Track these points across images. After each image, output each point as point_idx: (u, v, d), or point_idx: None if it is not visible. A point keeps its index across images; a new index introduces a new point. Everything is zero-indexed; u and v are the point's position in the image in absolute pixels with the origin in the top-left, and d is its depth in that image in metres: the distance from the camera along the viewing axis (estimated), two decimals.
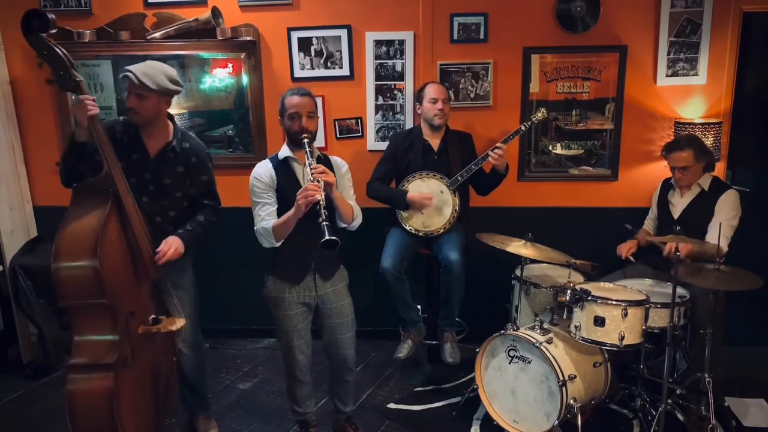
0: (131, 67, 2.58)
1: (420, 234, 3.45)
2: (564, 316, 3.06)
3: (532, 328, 2.98)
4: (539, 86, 3.76)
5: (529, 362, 2.89)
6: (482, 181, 3.53)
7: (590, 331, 2.87)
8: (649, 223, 3.55)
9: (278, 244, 2.63)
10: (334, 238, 2.35)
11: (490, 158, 3.33)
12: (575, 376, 2.83)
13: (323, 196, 2.46)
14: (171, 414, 2.84)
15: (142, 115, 2.61)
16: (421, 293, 3.72)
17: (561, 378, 2.76)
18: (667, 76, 3.68)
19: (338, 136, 3.90)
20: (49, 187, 4.02)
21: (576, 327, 2.91)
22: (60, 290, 2.33)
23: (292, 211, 2.52)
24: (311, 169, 2.51)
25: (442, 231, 3.42)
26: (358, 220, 2.77)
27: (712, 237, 3.09)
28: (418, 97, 3.56)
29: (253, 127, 3.92)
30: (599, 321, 2.83)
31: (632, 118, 3.75)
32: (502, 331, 2.97)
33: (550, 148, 3.86)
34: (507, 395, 2.98)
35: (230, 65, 3.88)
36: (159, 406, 2.68)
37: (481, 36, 3.71)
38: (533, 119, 3.44)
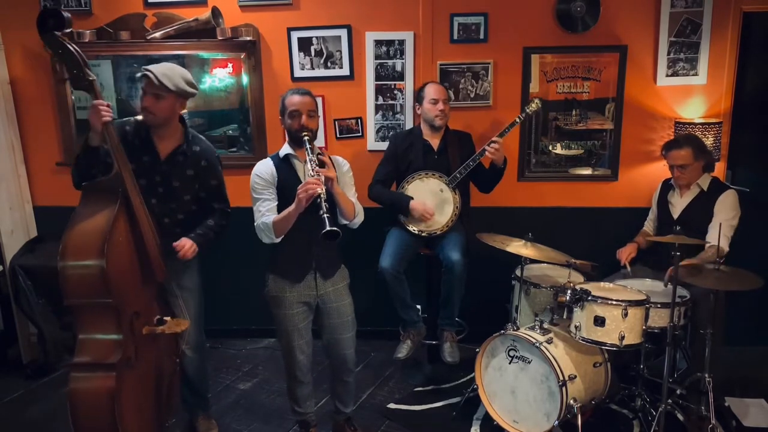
0: (150, 67, 2.58)
1: (423, 234, 3.45)
2: (564, 316, 3.06)
3: (532, 328, 2.98)
4: (539, 86, 3.76)
5: (529, 362, 2.89)
6: (482, 177, 3.53)
7: (590, 331, 2.87)
8: (648, 224, 3.55)
9: (278, 240, 2.63)
10: (335, 228, 2.36)
11: (487, 153, 3.33)
12: (575, 376, 2.83)
13: (324, 190, 2.47)
14: (172, 414, 2.84)
15: (156, 116, 2.61)
16: (421, 293, 3.71)
17: (561, 378, 2.76)
18: (667, 76, 3.68)
19: (338, 136, 3.90)
20: (49, 187, 4.03)
21: (576, 327, 2.91)
22: (66, 289, 2.34)
23: (293, 206, 2.52)
24: (312, 163, 2.51)
25: (445, 230, 3.42)
26: (359, 218, 2.77)
27: (712, 237, 3.09)
28: (418, 97, 3.55)
29: (253, 126, 3.92)
30: (599, 321, 2.83)
31: (632, 118, 3.75)
32: (502, 331, 2.97)
33: (550, 148, 3.86)
34: (507, 395, 2.98)
35: (230, 65, 3.89)
36: (161, 406, 2.69)
37: (481, 36, 3.71)
38: (527, 110, 3.43)
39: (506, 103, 3.77)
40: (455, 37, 3.73)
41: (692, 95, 3.69)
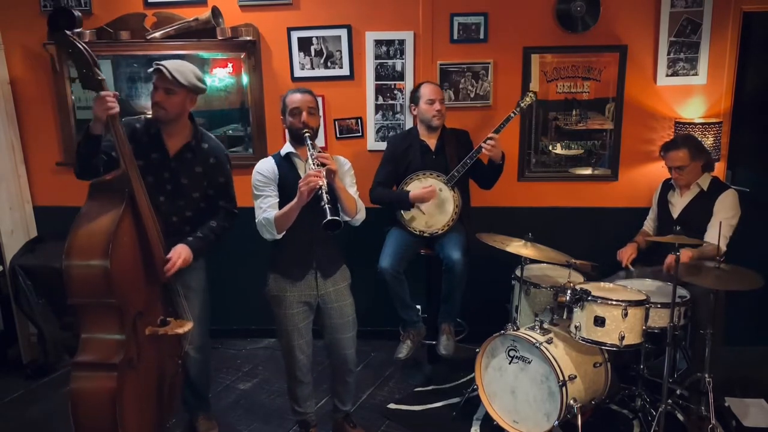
0: (163, 62, 2.59)
1: (425, 234, 3.45)
2: (564, 316, 3.06)
3: (532, 328, 2.98)
4: (539, 86, 3.76)
5: (529, 362, 2.89)
6: (482, 174, 3.52)
7: (590, 331, 2.87)
8: (648, 224, 3.55)
9: (279, 236, 2.63)
10: (336, 218, 2.37)
11: (483, 150, 3.33)
12: (575, 376, 2.83)
13: (325, 183, 2.47)
14: (172, 414, 2.84)
15: (168, 111, 2.62)
16: (421, 293, 3.71)
17: (561, 378, 2.76)
18: (667, 75, 3.68)
19: (338, 136, 3.90)
20: (49, 187, 4.03)
21: (576, 327, 2.91)
22: (70, 288, 2.34)
23: (294, 200, 2.53)
24: (313, 158, 2.52)
25: (446, 229, 3.42)
26: (361, 214, 2.77)
27: (710, 236, 3.10)
28: (413, 98, 3.54)
29: (253, 126, 3.92)
30: (599, 321, 2.83)
31: (632, 118, 3.75)
32: (502, 331, 2.97)
33: (550, 148, 3.86)
34: (507, 395, 2.98)
35: (230, 65, 3.89)
36: (162, 407, 2.68)
37: (481, 36, 3.71)
38: (521, 104, 3.41)
39: (506, 103, 3.77)
40: (455, 37, 3.73)
41: (692, 95, 3.69)
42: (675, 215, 3.32)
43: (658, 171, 3.68)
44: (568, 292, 2.95)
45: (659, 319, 2.90)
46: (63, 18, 2.43)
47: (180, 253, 2.62)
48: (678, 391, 3.06)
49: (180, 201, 2.74)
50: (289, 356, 2.81)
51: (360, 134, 3.90)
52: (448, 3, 3.69)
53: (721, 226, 2.94)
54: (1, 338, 3.86)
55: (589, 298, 2.85)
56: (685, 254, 2.90)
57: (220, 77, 3.91)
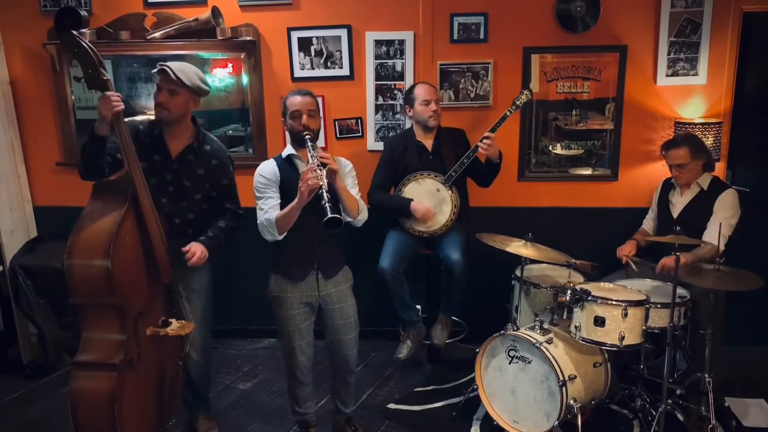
0: (167, 63, 2.60)
1: (425, 235, 3.45)
2: (564, 316, 3.06)
3: (532, 328, 2.98)
4: (539, 86, 3.76)
5: (529, 362, 2.89)
6: (480, 173, 3.52)
7: (590, 331, 2.87)
8: (648, 223, 3.55)
9: (280, 237, 2.63)
10: (337, 215, 2.38)
11: (480, 149, 3.33)
12: (575, 377, 2.83)
13: (325, 182, 2.47)
14: (172, 415, 2.84)
15: (171, 112, 2.62)
16: (420, 293, 3.72)
17: (561, 378, 2.76)
18: (667, 76, 3.68)
19: (338, 136, 3.90)
20: (49, 187, 4.03)
21: (576, 327, 2.91)
22: (71, 287, 2.35)
23: (295, 200, 2.53)
24: (314, 159, 2.52)
25: (444, 229, 3.41)
26: (363, 215, 2.77)
27: (709, 236, 3.10)
28: (407, 99, 3.53)
29: (253, 126, 3.92)
30: (599, 321, 2.83)
31: (632, 118, 3.75)
32: (502, 331, 2.97)
33: (550, 148, 3.86)
34: (507, 395, 2.98)
35: (230, 65, 3.89)
36: (162, 408, 2.68)
37: (481, 36, 3.71)
38: (517, 102, 3.40)
39: (506, 103, 3.74)
40: (455, 37, 3.73)
41: (692, 95, 3.69)
42: (675, 215, 3.32)
43: (658, 171, 3.68)
44: (568, 292, 2.95)
45: (659, 319, 2.91)
46: (69, 17, 2.42)
47: (197, 247, 2.65)
48: (678, 391, 3.06)
49: (182, 203, 2.74)
50: (290, 357, 2.81)
51: (360, 134, 3.90)
52: (448, 3, 3.69)
53: (720, 226, 2.94)
54: (1, 338, 3.86)
55: (589, 298, 2.85)
56: (683, 258, 2.90)
57: (220, 77, 3.91)
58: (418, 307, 3.57)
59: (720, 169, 3.67)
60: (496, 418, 3.02)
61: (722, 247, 3.05)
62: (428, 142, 3.53)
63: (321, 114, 2.88)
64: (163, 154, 2.69)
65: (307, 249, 2.70)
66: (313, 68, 3.82)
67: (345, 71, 3.81)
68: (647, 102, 3.72)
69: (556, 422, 2.78)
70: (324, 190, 2.44)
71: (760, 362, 3.72)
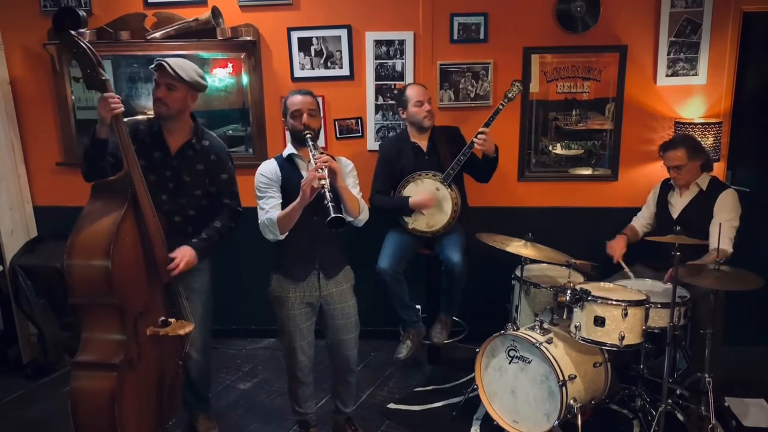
0: (165, 59, 2.61)
1: (428, 235, 3.45)
2: (564, 316, 3.06)
3: (532, 328, 2.98)
4: (539, 86, 3.76)
5: (529, 362, 2.89)
6: (477, 169, 3.52)
7: (590, 331, 2.87)
8: (639, 221, 3.53)
9: (282, 236, 2.63)
10: (339, 215, 2.39)
11: (475, 144, 3.32)
12: (575, 376, 2.83)
13: (328, 182, 2.48)
14: (172, 415, 2.84)
15: (169, 107, 2.63)
16: (420, 293, 3.72)
17: (561, 378, 2.76)
18: (667, 76, 3.68)
19: (338, 136, 3.90)
20: (49, 187, 4.03)
21: (576, 327, 2.91)
22: (71, 287, 2.35)
23: (297, 200, 2.53)
24: (315, 159, 2.53)
25: (447, 227, 3.41)
26: (364, 214, 2.77)
27: (716, 240, 3.09)
28: (400, 102, 3.53)
29: (253, 126, 3.92)
30: (599, 321, 2.83)
31: (632, 118, 3.75)
32: (502, 331, 2.97)
33: (550, 148, 3.86)
34: (507, 395, 2.98)
35: (230, 65, 3.89)
36: (162, 407, 2.68)
37: (481, 36, 3.71)
38: (509, 95, 3.38)
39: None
40: (455, 37, 3.73)
41: (692, 95, 3.69)
42: (675, 215, 3.32)
43: (658, 171, 3.68)
44: (568, 292, 2.95)
45: (659, 319, 2.90)
46: (68, 18, 2.43)
47: (184, 254, 2.62)
48: (678, 391, 3.06)
49: (182, 199, 2.74)
50: (291, 357, 2.81)
51: (360, 134, 3.90)
52: (448, 3, 3.69)
53: (722, 228, 2.93)
54: (1, 338, 3.86)
55: (589, 298, 2.85)
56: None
57: (220, 77, 3.91)
58: (418, 307, 3.57)
59: (720, 169, 3.68)
60: (496, 418, 3.02)
61: (730, 249, 3.05)
62: (423, 143, 3.53)
63: (321, 114, 2.88)
64: (163, 151, 2.70)
65: (308, 249, 2.70)
66: (313, 68, 3.82)
67: (345, 71, 3.81)
68: (647, 102, 3.72)
69: (556, 422, 2.78)
70: (326, 190, 2.45)
71: (760, 362, 3.72)
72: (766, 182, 3.70)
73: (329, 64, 3.81)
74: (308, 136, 2.62)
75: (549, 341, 2.89)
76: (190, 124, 2.76)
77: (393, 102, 3.83)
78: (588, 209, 3.87)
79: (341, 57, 3.79)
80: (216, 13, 3.67)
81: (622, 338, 2.81)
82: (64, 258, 2.33)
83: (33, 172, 4.04)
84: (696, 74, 3.66)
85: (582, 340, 2.90)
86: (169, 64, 2.58)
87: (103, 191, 2.46)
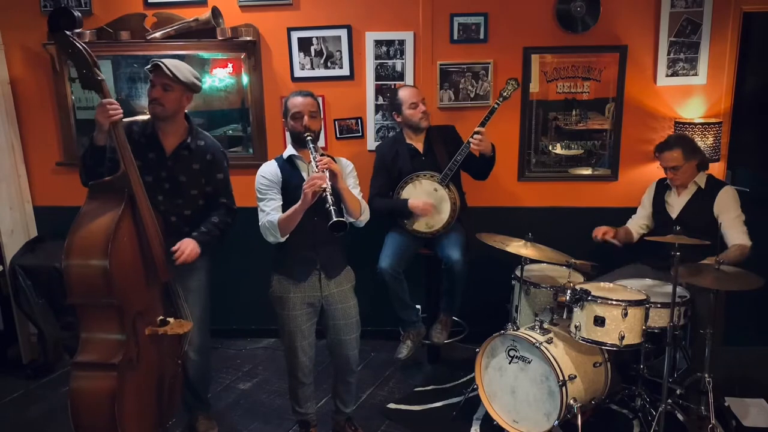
0: (160, 59, 2.62)
1: (427, 235, 3.45)
2: (564, 316, 3.06)
3: (532, 328, 2.98)
4: (539, 86, 3.76)
5: (529, 362, 2.89)
6: (475, 167, 3.52)
7: (590, 331, 2.87)
8: (635, 222, 3.51)
9: (283, 239, 2.64)
10: (342, 219, 2.39)
11: (472, 144, 3.32)
12: (575, 376, 2.83)
13: (329, 185, 2.48)
14: (172, 415, 2.84)
15: (165, 107, 2.64)
16: (420, 293, 3.72)
17: (561, 378, 2.76)
18: (667, 76, 3.68)
19: (338, 136, 3.90)
20: (49, 187, 4.03)
21: (576, 327, 2.91)
22: (69, 287, 2.35)
23: (298, 203, 2.53)
24: (316, 162, 2.53)
25: (447, 227, 3.42)
26: (365, 215, 2.78)
27: (734, 238, 3.11)
28: (394, 106, 3.52)
29: (253, 126, 3.92)
30: (599, 321, 2.83)
31: (632, 118, 3.75)
32: (502, 331, 2.97)
33: (550, 148, 3.86)
34: (507, 395, 2.98)
35: (230, 65, 3.88)
36: (161, 407, 2.68)
37: (481, 36, 3.71)
38: (504, 94, 3.38)
39: (506, 103, 3.74)
40: (455, 37, 3.73)
41: (692, 95, 3.69)
42: (674, 215, 3.32)
43: (657, 171, 3.66)
44: (568, 292, 2.95)
45: (659, 319, 2.90)
46: (63, 18, 2.42)
47: (187, 245, 2.64)
48: (678, 391, 3.06)
49: (178, 199, 2.75)
50: (292, 357, 2.81)
51: (360, 134, 3.90)
52: (448, 3, 3.69)
53: (734, 225, 3.00)
54: (1, 338, 3.86)
55: (589, 298, 2.85)
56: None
57: (220, 77, 3.91)
58: (418, 307, 3.57)
59: (720, 169, 3.68)
60: (496, 418, 3.02)
61: (749, 242, 3.08)
62: (419, 144, 3.53)
63: (321, 114, 2.89)
64: (158, 152, 2.70)
65: (309, 249, 2.70)
66: (313, 68, 3.82)
67: (345, 71, 3.81)
68: (647, 102, 3.72)
69: (556, 422, 2.78)
70: (328, 193, 2.45)
71: (760, 362, 3.72)
72: (766, 182, 3.70)
73: (329, 64, 3.81)
74: (309, 138, 2.63)
75: (549, 341, 2.89)
76: (185, 125, 2.77)
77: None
78: (588, 209, 3.87)
79: (341, 57, 3.79)
80: (216, 13, 3.67)
81: (622, 338, 2.81)
82: (62, 258, 2.33)
83: (33, 172, 4.04)
84: (696, 74, 3.66)
85: (582, 340, 2.90)
86: (165, 65, 2.59)
87: (100, 191, 2.47)
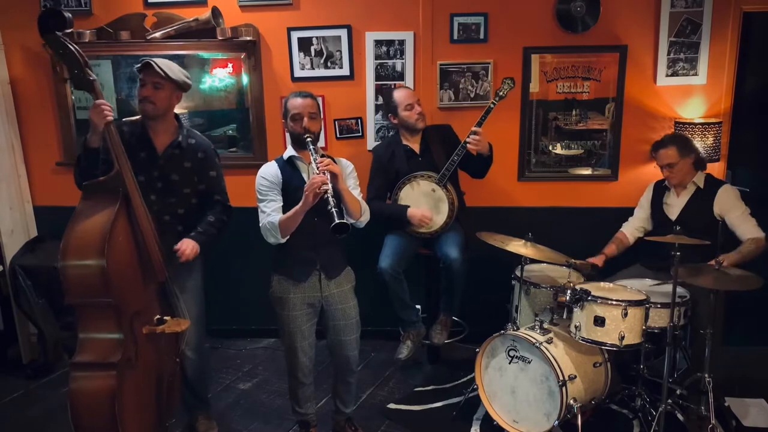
0: (150, 58, 2.64)
1: (426, 235, 3.46)
2: (564, 316, 3.06)
3: (532, 328, 2.98)
4: (539, 86, 3.76)
5: (529, 362, 2.89)
6: (472, 166, 3.52)
7: (590, 331, 2.87)
8: (632, 225, 3.51)
9: (283, 240, 2.64)
10: (344, 221, 2.40)
11: (469, 144, 3.32)
12: (575, 376, 2.83)
13: (330, 187, 2.48)
14: (172, 414, 2.84)
15: (156, 105, 2.65)
16: (420, 293, 3.72)
17: (561, 378, 2.76)
18: (667, 76, 3.68)
19: (338, 136, 3.90)
20: (49, 187, 4.03)
21: (576, 327, 2.91)
22: (66, 288, 2.35)
23: (299, 204, 2.54)
24: (317, 163, 2.53)
25: (445, 227, 3.42)
26: (366, 216, 2.78)
27: (746, 232, 3.13)
28: (389, 108, 3.52)
29: (253, 126, 3.92)
30: (599, 321, 2.83)
31: (632, 118, 3.75)
32: (502, 331, 2.97)
33: (550, 148, 3.86)
34: (507, 395, 2.98)
35: (230, 65, 3.89)
36: (161, 406, 2.68)
37: (481, 36, 3.71)
38: (501, 93, 3.38)
39: (506, 103, 3.75)
40: (455, 37, 3.73)
41: (692, 95, 3.69)
42: (674, 216, 3.32)
43: (658, 171, 3.67)
44: (568, 292, 2.95)
45: (659, 319, 2.90)
46: (53, 19, 2.43)
47: (188, 244, 2.66)
48: (678, 391, 3.06)
49: (171, 198, 2.75)
50: (292, 357, 2.81)
51: (360, 134, 3.90)
52: (448, 3, 3.69)
53: (742, 220, 3.03)
54: (1, 338, 3.86)
55: (589, 298, 2.85)
56: (728, 260, 2.91)
57: (220, 77, 3.91)
58: (418, 307, 3.57)
59: (720, 169, 3.68)
60: (496, 418, 3.02)
61: (762, 234, 3.12)
62: (415, 145, 3.52)
63: (321, 115, 2.89)
64: (149, 151, 2.71)
65: (309, 250, 2.70)
66: (313, 68, 3.82)
67: (345, 71, 3.81)
68: (647, 102, 3.72)
69: (556, 422, 2.78)
70: (329, 195, 2.45)
71: (760, 362, 3.72)
72: (766, 182, 3.70)
73: (329, 64, 3.81)
74: (309, 139, 2.63)
75: (549, 341, 2.89)
76: (175, 124, 2.78)
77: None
78: (588, 209, 3.87)
79: (341, 57, 3.79)
80: (216, 13, 3.67)
81: (622, 338, 2.81)
82: (58, 259, 2.33)
83: (33, 172, 4.04)
84: (696, 74, 3.66)
85: (582, 340, 2.90)
86: (155, 63, 2.61)
87: (94, 191, 2.46)
